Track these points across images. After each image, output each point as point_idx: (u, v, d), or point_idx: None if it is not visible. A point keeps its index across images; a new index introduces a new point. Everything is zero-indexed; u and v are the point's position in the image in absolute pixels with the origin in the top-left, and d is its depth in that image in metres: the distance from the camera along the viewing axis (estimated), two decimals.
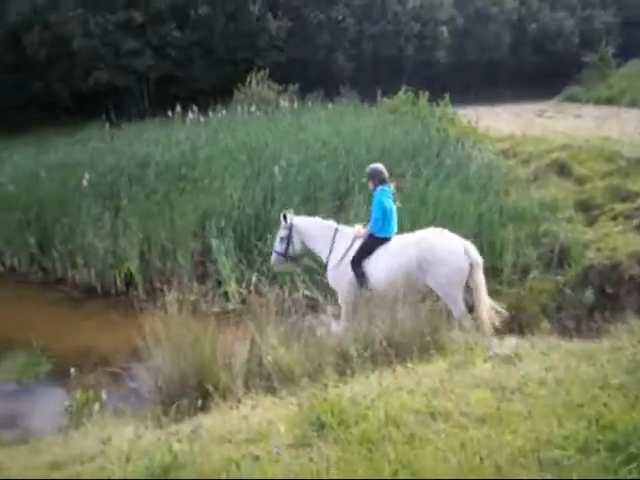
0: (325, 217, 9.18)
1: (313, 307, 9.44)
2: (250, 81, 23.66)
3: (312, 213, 10.71)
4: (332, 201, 11.55)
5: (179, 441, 4.03)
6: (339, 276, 8.35)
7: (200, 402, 5.73)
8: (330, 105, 20.59)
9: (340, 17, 33.01)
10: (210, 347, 6.32)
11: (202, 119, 19.37)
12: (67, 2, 30.76)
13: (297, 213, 9.29)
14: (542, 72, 39.42)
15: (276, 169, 12.59)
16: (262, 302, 7.27)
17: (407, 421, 4.14)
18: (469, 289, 8.10)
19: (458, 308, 7.89)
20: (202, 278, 10.92)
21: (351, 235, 8.41)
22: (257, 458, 3.57)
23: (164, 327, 6.45)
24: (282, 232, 8.73)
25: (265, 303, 7.24)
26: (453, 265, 7.86)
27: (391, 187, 8.36)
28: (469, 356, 5.65)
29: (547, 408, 4.16)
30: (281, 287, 9.06)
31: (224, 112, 19.92)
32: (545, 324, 8.57)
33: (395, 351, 6.03)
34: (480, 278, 7.99)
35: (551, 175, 13.49)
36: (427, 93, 18.89)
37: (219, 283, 10.61)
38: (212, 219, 11.45)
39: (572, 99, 29.65)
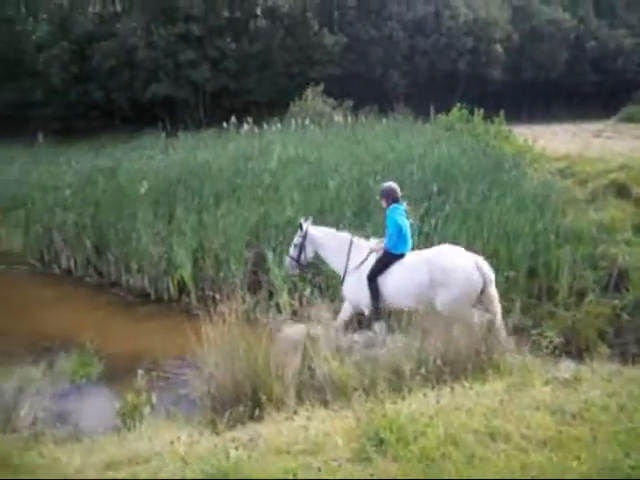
0: (343, 229, 9.30)
1: (361, 322, 9.37)
2: (306, 95, 23.82)
3: (363, 227, 10.78)
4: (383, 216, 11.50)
5: (236, 448, 4.04)
6: (352, 288, 8.49)
7: (253, 411, 5.75)
8: (384, 120, 20.58)
9: (393, 33, 32.98)
10: (263, 357, 6.34)
11: (256, 131, 19.54)
12: (133, 13, 31.41)
13: (349, 227, 9.54)
14: (600, 91, 38.88)
15: (330, 183, 12.62)
16: (314, 314, 7.33)
17: (466, 440, 4.09)
18: (483, 304, 8.04)
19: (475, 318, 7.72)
20: (254, 288, 10.93)
21: (366, 248, 8.52)
22: (319, 469, 3.55)
23: (218, 335, 6.50)
24: (297, 239, 8.95)
25: (320, 315, 7.30)
26: (464, 285, 7.83)
27: (404, 205, 8.43)
28: (527, 378, 5.57)
29: (610, 435, 4.07)
30: (332, 300, 9.02)
31: (278, 125, 20.07)
32: (604, 349, 8.35)
33: (450, 369, 5.98)
34: (493, 293, 7.99)
35: (609, 196, 13.22)
36: (482, 111, 18.74)
37: (271, 294, 10.63)
38: (266, 229, 11.51)
39: (630, 119, 28.95)
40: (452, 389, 5.17)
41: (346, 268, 8.54)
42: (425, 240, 10.27)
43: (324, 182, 12.97)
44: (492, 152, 15.49)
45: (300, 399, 6.20)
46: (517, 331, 7.76)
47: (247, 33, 31.85)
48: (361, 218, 11.30)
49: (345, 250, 8.59)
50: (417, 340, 6.65)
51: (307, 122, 19.98)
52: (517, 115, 28.84)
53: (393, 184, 8.60)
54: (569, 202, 12.87)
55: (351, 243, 8.61)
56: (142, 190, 14.04)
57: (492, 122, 18.58)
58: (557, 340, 7.66)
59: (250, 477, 3.69)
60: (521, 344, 6.81)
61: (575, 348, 8.34)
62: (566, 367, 6.40)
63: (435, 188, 11.95)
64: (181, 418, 6.36)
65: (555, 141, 19.92)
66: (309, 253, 8.91)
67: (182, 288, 11.94)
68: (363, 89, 30.38)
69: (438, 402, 4.75)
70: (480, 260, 8.01)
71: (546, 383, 5.40)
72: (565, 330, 8.32)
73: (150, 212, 13.69)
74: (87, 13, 34.40)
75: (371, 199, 11.95)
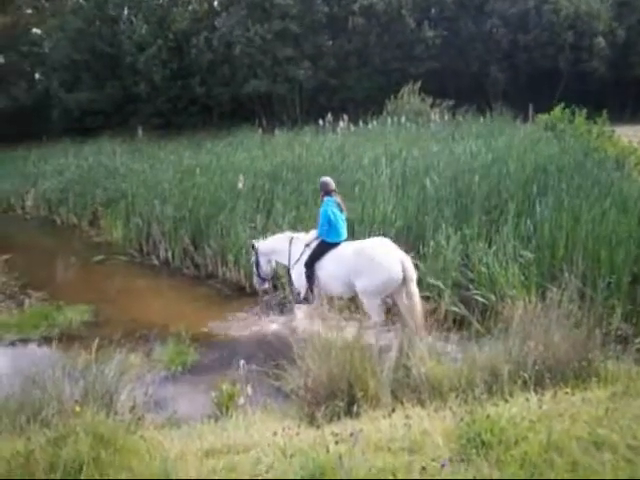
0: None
1: (455, 322, 9.26)
2: (402, 93, 23.68)
3: (461, 227, 10.65)
4: (482, 215, 11.28)
5: (337, 443, 4.06)
6: (297, 276, 9.55)
7: (348, 407, 5.77)
8: (482, 119, 20.25)
9: (494, 29, 32.34)
10: (360, 353, 6.36)
11: (352, 128, 19.55)
12: (231, 10, 31.99)
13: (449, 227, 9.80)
14: None
15: (428, 181, 12.51)
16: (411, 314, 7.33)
17: (570, 448, 3.98)
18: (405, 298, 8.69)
19: (375, 315, 8.68)
20: None
21: (304, 241, 9.54)
22: (423, 468, 3.54)
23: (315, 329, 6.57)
24: (252, 258, 10.39)
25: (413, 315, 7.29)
26: (384, 275, 8.54)
27: (336, 198, 9.40)
28: (631, 387, 5.38)
29: None
30: (427, 299, 8.97)
31: (375, 122, 20.02)
32: None
33: (549, 375, 5.85)
34: (414, 290, 8.62)
35: None
36: (585, 110, 18.15)
37: None
38: (361, 226, 11.50)
39: None
40: (555, 394, 5.05)
41: (289, 262, 9.67)
42: (522, 243, 10.03)
43: (421, 180, 12.85)
44: (594, 153, 14.97)
45: (395, 397, 6.20)
46: (619, 339, 7.54)
47: (345, 30, 31.84)
48: (460, 218, 11.11)
49: (287, 247, 9.71)
50: (516, 343, 6.54)
51: (403, 120, 19.87)
52: (620, 114, 27.80)
53: (328, 179, 9.70)
54: None
55: (291, 240, 9.73)
56: (240, 185, 14.28)
57: (595, 122, 17.96)
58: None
59: (350, 472, 3.70)
60: (624, 352, 6.61)
61: None
62: None
63: (535, 189, 11.64)
64: (276, 410, 6.45)
65: None
66: (265, 265, 10.23)
67: (276, 283, 12.08)
68: (461, 86, 29.96)
69: (540, 407, 4.65)
70: (405, 257, 8.70)
71: None
72: None
73: (249, 206, 13.91)
74: (185, 11, 35.21)
75: (471, 198, 11.79)
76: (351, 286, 8.90)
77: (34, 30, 39.62)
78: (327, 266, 9.14)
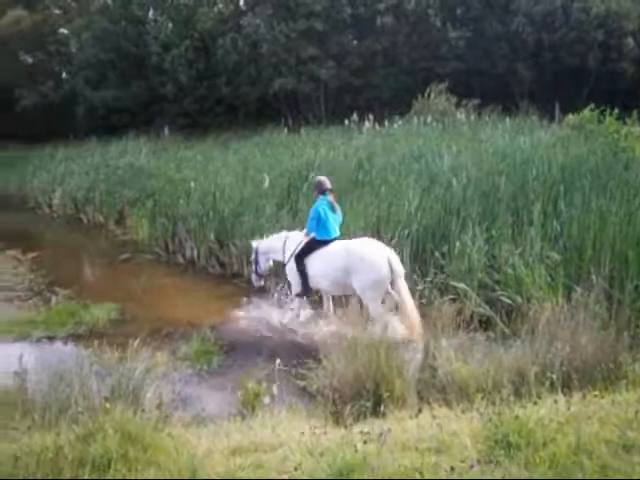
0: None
1: (481, 323, 9.21)
2: (429, 92, 23.62)
3: (487, 228, 10.60)
4: (508, 215, 11.19)
5: (365, 442, 4.06)
6: (290, 272, 9.99)
7: (374, 406, 5.77)
8: (507, 119, 20.12)
9: (520, 29, 32.02)
10: (385, 353, 6.36)
11: (378, 128, 19.51)
12: (260, 8, 32.03)
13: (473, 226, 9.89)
14: None
15: (454, 181, 12.46)
16: (438, 313, 7.32)
17: (599, 451, 3.95)
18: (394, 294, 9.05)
19: (374, 308, 8.82)
20: None
21: (297, 239, 9.95)
22: (452, 468, 3.53)
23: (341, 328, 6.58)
24: (252, 256, 10.89)
25: (441, 315, 7.27)
26: (375, 273, 8.86)
27: (329, 197, 9.83)
28: None
29: None
30: (454, 301, 8.92)
31: (400, 122, 19.97)
32: None
33: (577, 377, 5.81)
34: (402, 286, 8.99)
35: None
36: (615, 111, 17.91)
37: None
38: (388, 226, 11.47)
39: None
40: (584, 396, 5.01)
41: (283, 258, 10.12)
42: (549, 244, 9.94)
43: (447, 180, 12.80)
44: (622, 154, 14.77)
45: (420, 398, 6.20)
46: None
47: (371, 30, 31.75)
48: (486, 218, 11.05)
49: (282, 245, 10.19)
50: (542, 345, 6.50)
51: (429, 120, 19.82)
52: None
53: (323, 178, 10.23)
54: None
55: (286, 238, 10.23)
56: (265, 184, 14.32)
57: (624, 122, 17.72)
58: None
59: (378, 471, 3.70)
60: None
61: None
62: None
63: (562, 189, 11.53)
64: (302, 409, 6.46)
65: None
66: (263, 263, 10.74)
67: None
68: (487, 86, 29.67)
69: (569, 409, 4.62)
70: (392, 255, 9.01)
71: None
72: None
73: (274, 205, 13.97)
74: (210, 12, 35.34)
75: (498, 199, 11.71)
76: (340, 284, 9.36)
77: (61, 30, 39.98)
78: (316, 263, 9.60)
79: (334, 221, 9.78)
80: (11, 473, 4.41)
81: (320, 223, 9.61)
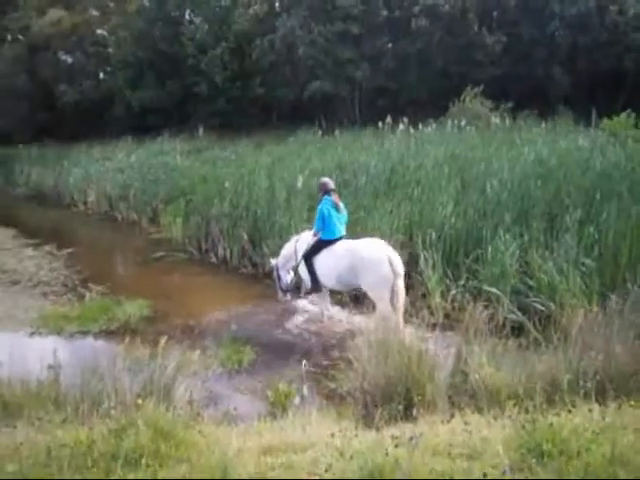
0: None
1: (513, 329, 9.11)
2: (464, 96, 23.49)
3: (521, 233, 10.50)
4: (543, 221, 11.06)
5: (396, 446, 4.05)
6: (302, 271, 10.35)
7: (405, 410, 5.75)
8: (543, 124, 19.92)
9: (556, 33, 31.65)
10: (417, 357, 6.33)
11: (412, 131, 19.44)
12: (296, 10, 32.11)
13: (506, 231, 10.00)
14: None
15: (488, 185, 12.36)
16: (470, 318, 7.26)
17: (635, 462, 3.89)
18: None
19: (382, 305, 9.04)
20: (405, 288, 10.90)
21: (307, 239, 10.23)
22: (484, 475, 3.50)
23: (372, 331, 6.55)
24: (274, 274, 11.13)
25: (473, 320, 7.21)
26: (378, 273, 9.04)
27: (333, 197, 10.06)
28: None
29: None
30: (486, 306, 8.84)
31: (434, 125, 19.88)
32: None
33: (612, 386, 5.72)
34: (400, 286, 9.16)
35: None
36: None
37: (422, 295, 10.54)
38: (421, 230, 11.41)
39: None
40: (619, 406, 4.93)
41: (296, 259, 10.41)
42: (584, 251, 9.82)
43: (482, 184, 12.70)
44: None
45: (451, 403, 6.15)
46: None
47: (407, 32, 31.64)
48: (520, 223, 10.94)
49: (294, 248, 10.51)
50: (576, 353, 6.41)
51: (463, 123, 19.71)
52: None
53: (327, 179, 10.50)
54: None
55: (297, 240, 10.55)
56: (299, 184, 14.33)
57: None
58: None
59: (409, 475, 3.68)
60: None
61: None
62: None
63: (598, 195, 11.38)
64: (332, 411, 6.46)
65: None
66: (284, 277, 10.91)
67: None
68: (523, 91, 29.33)
69: (603, 418, 4.54)
70: (393, 255, 9.14)
71: None
72: None
73: (307, 206, 13.89)
74: (246, 13, 35.51)
75: (532, 204, 11.59)
76: (346, 283, 9.64)
77: (98, 31, 40.48)
78: (321, 262, 9.91)
79: (338, 220, 10.00)
80: (45, 464, 4.47)
81: (325, 223, 9.87)
